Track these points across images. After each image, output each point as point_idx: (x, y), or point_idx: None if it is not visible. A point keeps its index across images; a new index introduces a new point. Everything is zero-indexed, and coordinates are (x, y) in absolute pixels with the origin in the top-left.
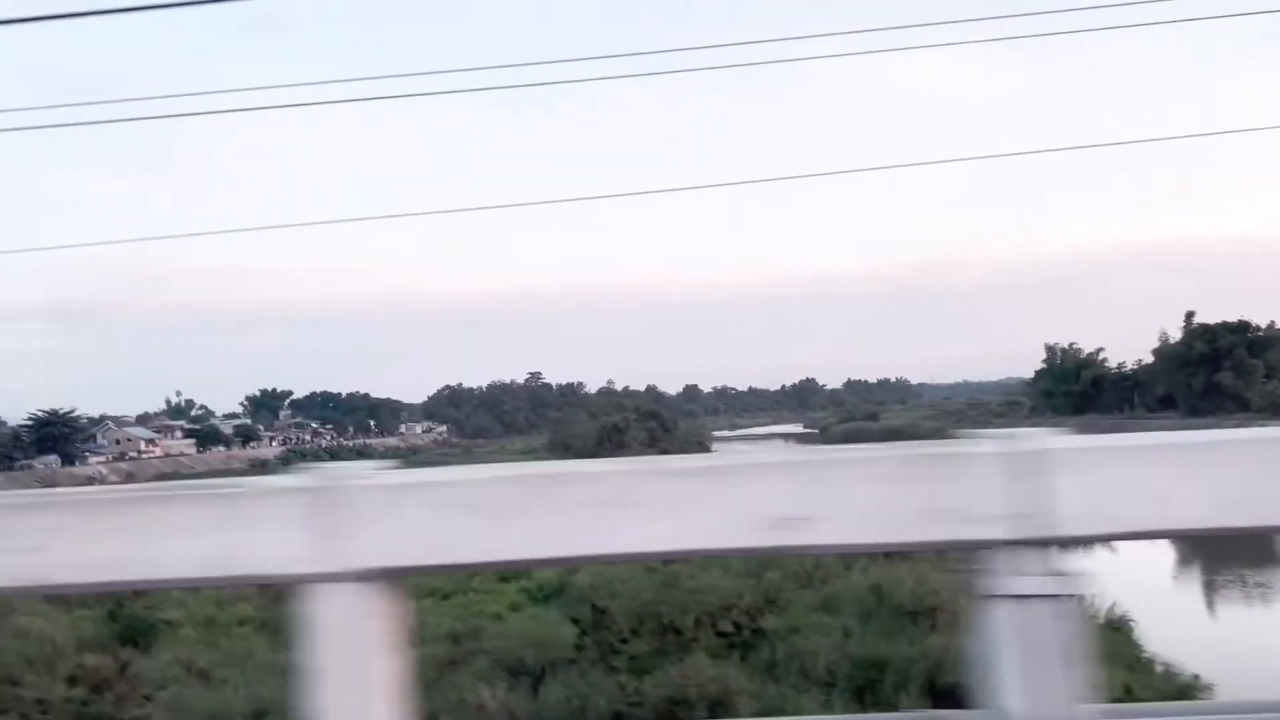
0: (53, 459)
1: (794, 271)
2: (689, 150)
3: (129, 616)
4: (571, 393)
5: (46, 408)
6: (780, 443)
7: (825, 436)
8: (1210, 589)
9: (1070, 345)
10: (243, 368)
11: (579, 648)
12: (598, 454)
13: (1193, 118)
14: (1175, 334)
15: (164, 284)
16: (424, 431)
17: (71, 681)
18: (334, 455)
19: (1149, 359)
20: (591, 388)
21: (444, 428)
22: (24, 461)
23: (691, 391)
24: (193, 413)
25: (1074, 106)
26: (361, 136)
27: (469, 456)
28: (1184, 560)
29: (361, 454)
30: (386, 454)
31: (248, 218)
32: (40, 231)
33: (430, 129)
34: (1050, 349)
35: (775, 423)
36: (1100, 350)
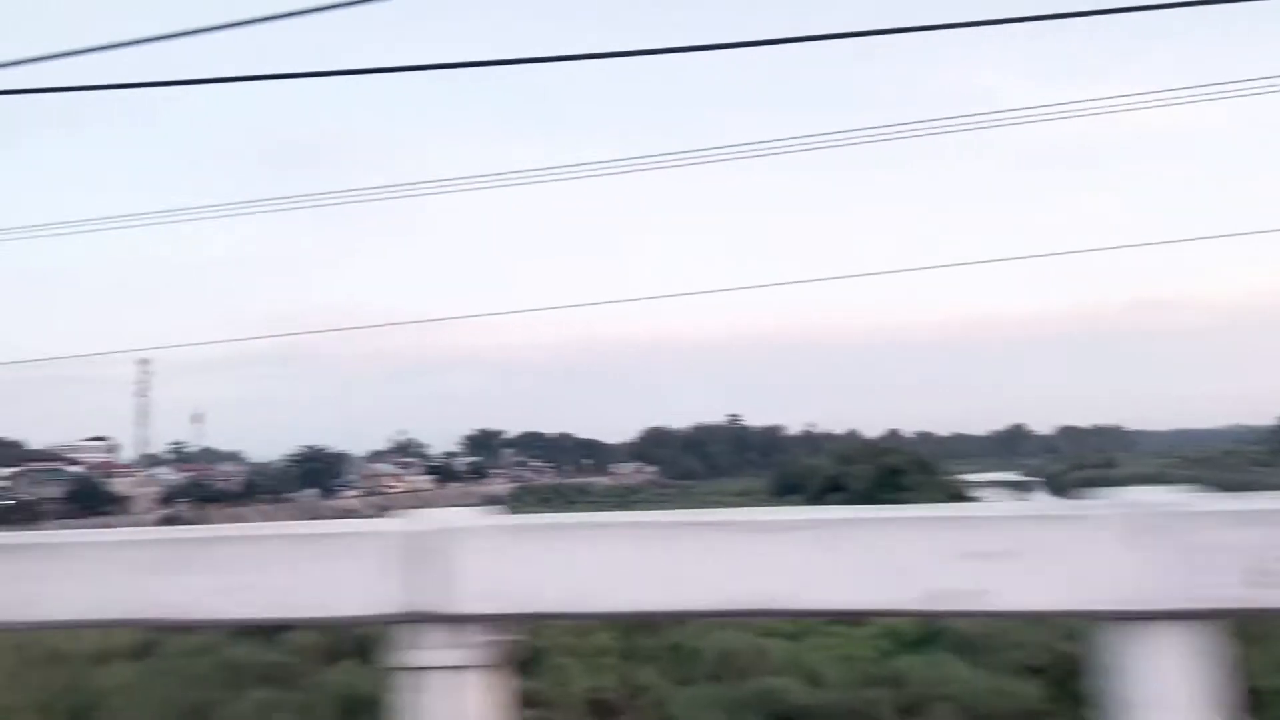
0: (313, 493)
1: (997, 312)
2: (895, 197)
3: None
4: (772, 435)
5: (308, 444)
6: (999, 491)
7: (1054, 485)
8: None
9: None
10: (448, 409)
11: (1054, 699)
12: (877, 495)
13: None
14: None
15: (377, 332)
16: (634, 472)
17: (585, 704)
18: (559, 492)
19: None
20: (791, 430)
21: (653, 468)
22: (288, 495)
23: (894, 437)
24: (414, 451)
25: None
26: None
27: (685, 498)
28: None
29: (582, 491)
30: (605, 493)
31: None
32: (261, 286)
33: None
34: None
35: (983, 470)
36: None
